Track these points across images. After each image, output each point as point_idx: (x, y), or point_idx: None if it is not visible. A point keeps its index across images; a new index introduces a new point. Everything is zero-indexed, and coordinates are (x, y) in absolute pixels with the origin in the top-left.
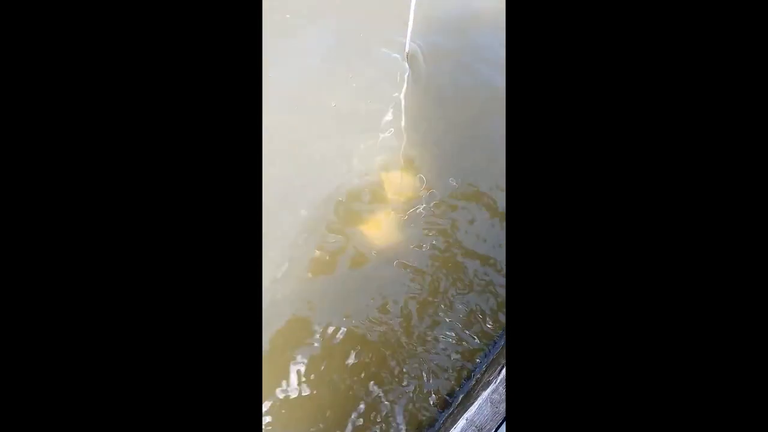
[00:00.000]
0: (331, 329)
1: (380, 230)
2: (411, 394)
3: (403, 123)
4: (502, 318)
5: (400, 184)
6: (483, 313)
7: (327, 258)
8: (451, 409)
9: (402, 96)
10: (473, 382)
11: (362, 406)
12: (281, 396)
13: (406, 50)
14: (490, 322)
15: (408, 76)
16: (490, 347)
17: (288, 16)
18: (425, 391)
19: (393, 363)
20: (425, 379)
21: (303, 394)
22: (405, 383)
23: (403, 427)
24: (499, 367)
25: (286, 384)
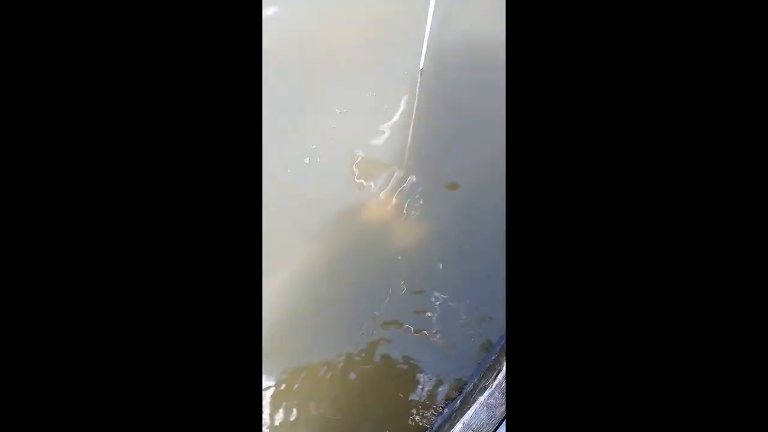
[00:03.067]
0: (328, 336)
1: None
2: (409, 399)
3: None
4: (499, 324)
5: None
6: (479, 318)
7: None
8: (449, 413)
9: (414, 109)
10: (470, 387)
11: (362, 411)
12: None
13: (421, 66)
14: (488, 328)
15: (418, 92)
16: (486, 353)
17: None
18: (423, 397)
19: (392, 367)
20: (423, 383)
21: (301, 396)
22: (403, 387)
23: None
24: (495, 373)
25: (284, 381)
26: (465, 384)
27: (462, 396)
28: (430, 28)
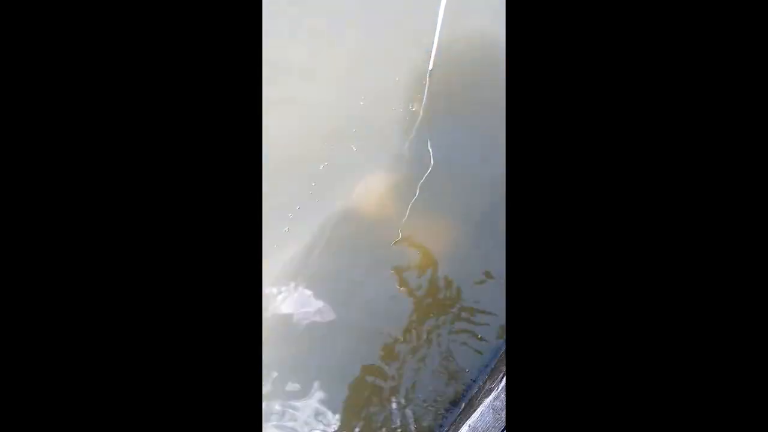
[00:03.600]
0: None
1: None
2: (415, 401)
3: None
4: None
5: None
6: (485, 321)
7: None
8: (455, 416)
9: (421, 109)
10: (476, 390)
11: (369, 410)
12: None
13: (430, 67)
14: (493, 331)
15: (426, 92)
16: (492, 355)
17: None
18: (429, 398)
19: (397, 370)
20: (429, 386)
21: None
22: (409, 390)
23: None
24: (501, 375)
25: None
26: (470, 386)
27: (467, 398)
28: (440, 30)
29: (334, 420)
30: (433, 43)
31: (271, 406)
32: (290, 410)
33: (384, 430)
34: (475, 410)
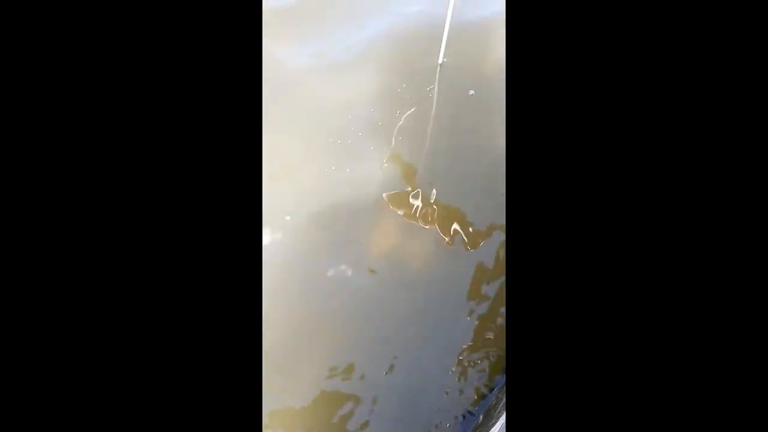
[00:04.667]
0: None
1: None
2: (430, 412)
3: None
4: None
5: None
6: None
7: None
8: (472, 427)
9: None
10: (493, 401)
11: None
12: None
13: (440, 61)
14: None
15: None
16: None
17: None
18: (446, 411)
19: (412, 379)
20: (446, 397)
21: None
22: (425, 400)
23: None
24: None
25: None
26: (485, 397)
27: (484, 411)
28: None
29: None
30: (443, 35)
31: None
32: None
33: None
34: (494, 423)
